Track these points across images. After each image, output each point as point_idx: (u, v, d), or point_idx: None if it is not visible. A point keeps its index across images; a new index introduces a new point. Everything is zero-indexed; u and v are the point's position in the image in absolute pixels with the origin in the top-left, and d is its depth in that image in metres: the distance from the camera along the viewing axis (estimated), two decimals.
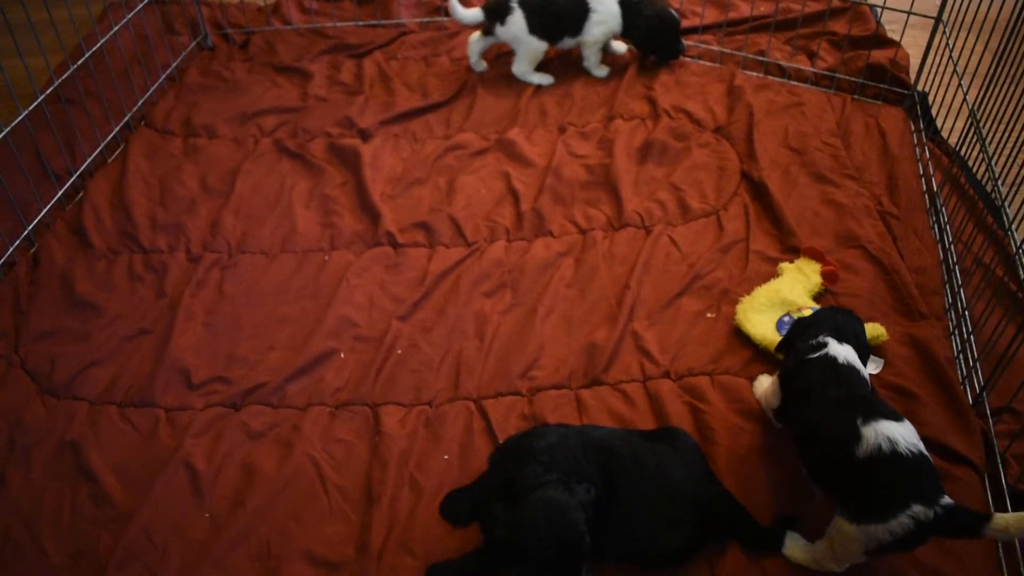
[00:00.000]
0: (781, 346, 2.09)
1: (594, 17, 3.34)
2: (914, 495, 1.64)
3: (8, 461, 2.13)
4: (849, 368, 1.87)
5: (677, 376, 2.30)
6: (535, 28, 3.31)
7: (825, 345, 1.90)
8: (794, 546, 1.87)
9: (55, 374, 2.35)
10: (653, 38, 3.41)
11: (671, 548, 1.86)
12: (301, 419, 2.22)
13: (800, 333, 2.00)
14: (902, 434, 1.71)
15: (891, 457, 1.68)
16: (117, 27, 3.22)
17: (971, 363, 2.29)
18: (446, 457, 2.13)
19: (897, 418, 1.75)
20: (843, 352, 1.90)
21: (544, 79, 3.43)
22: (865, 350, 1.99)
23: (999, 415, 2.15)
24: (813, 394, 1.85)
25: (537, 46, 3.35)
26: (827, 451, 1.79)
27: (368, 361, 2.37)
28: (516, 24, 3.29)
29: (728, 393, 2.24)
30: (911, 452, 1.69)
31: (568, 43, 3.42)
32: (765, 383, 2.16)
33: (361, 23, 3.79)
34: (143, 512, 2.00)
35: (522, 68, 3.42)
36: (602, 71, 3.47)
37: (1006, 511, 1.95)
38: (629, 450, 1.90)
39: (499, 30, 3.33)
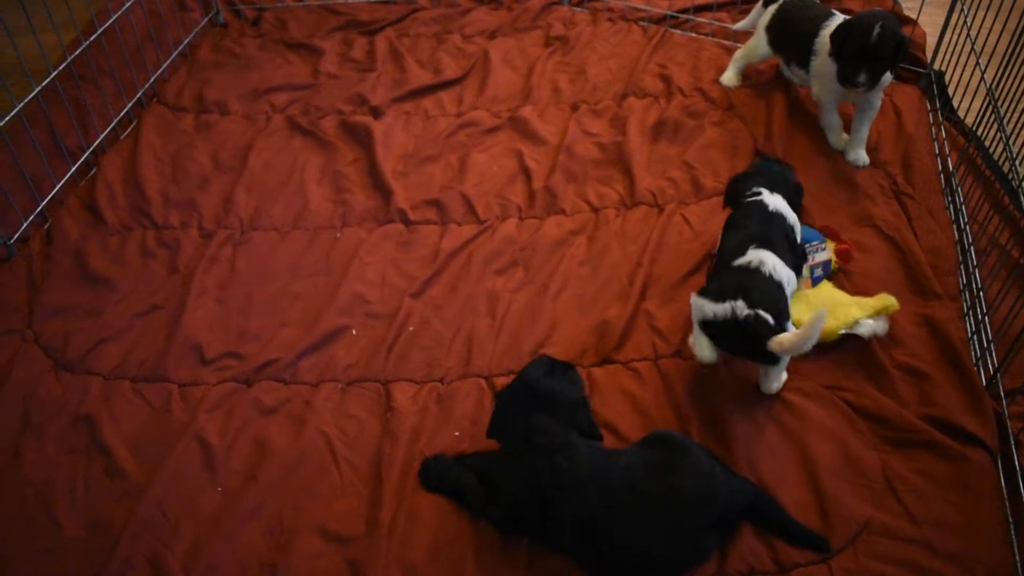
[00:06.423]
0: (727, 201, 2.36)
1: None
2: (743, 295, 1.95)
3: (23, 435, 2.15)
4: (775, 213, 2.19)
5: (688, 355, 2.30)
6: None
7: (759, 193, 2.22)
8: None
9: (69, 349, 2.36)
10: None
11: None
12: (313, 395, 2.23)
13: (742, 184, 2.31)
14: (776, 265, 2.03)
15: (750, 270, 2.01)
16: (129, 3, 3.21)
17: (985, 344, 2.27)
18: (457, 434, 2.14)
19: (786, 262, 2.08)
20: (773, 201, 2.21)
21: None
22: (796, 194, 2.33)
23: (1013, 397, 2.14)
24: (737, 225, 2.18)
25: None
26: (720, 260, 2.11)
27: (380, 338, 2.37)
28: None
29: (738, 372, 2.23)
30: (770, 275, 2.01)
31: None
32: None
33: (372, 0, 3.77)
34: (156, 486, 2.02)
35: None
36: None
37: (1018, 493, 1.95)
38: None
39: None
